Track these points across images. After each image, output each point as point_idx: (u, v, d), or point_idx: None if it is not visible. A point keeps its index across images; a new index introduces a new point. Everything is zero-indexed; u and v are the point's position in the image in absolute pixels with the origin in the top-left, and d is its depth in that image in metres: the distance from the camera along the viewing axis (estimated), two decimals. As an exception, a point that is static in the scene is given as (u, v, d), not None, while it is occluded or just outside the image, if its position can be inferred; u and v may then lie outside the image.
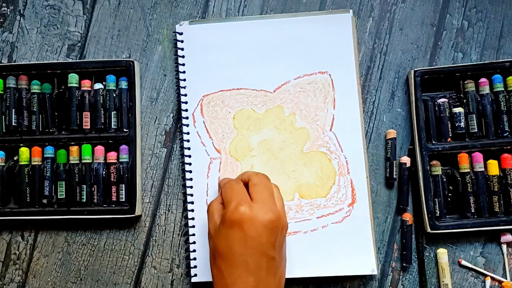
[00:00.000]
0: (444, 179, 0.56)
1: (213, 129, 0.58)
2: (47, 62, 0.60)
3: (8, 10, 0.62)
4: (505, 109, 0.56)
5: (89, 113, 0.58)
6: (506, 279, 0.56)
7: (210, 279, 0.56)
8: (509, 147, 0.56)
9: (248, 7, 0.61)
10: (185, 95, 0.59)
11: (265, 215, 0.46)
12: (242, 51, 0.59)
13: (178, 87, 0.59)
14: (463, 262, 0.57)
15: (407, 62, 0.59)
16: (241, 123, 0.58)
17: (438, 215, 0.55)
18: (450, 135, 0.56)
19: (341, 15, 0.58)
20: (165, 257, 0.59)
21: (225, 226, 0.46)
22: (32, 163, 0.58)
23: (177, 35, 0.59)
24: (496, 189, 0.55)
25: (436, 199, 0.56)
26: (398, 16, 0.60)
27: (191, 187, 0.58)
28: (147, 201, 0.59)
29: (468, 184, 0.55)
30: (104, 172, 0.58)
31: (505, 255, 0.57)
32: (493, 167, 0.55)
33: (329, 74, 0.58)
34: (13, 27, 0.62)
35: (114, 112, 0.58)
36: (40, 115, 0.59)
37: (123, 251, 0.59)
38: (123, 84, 0.59)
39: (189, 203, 0.57)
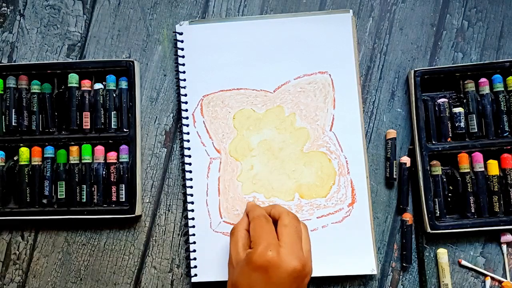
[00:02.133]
0: (444, 179, 0.56)
1: (213, 129, 0.58)
2: (47, 62, 0.60)
3: (8, 10, 0.62)
4: (505, 109, 0.56)
5: (89, 113, 0.58)
6: (506, 279, 0.56)
7: (210, 279, 0.56)
8: (509, 147, 0.56)
9: (248, 7, 0.61)
10: (185, 95, 0.59)
11: (291, 263, 0.46)
12: (242, 51, 0.59)
13: (178, 87, 0.59)
14: (463, 262, 0.57)
15: (407, 62, 0.59)
16: (241, 123, 0.58)
17: (438, 215, 0.55)
18: (450, 135, 0.56)
19: (341, 15, 0.58)
20: (165, 257, 0.59)
21: (250, 267, 0.46)
22: (32, 163, 0.58)
23: (177, 35, 0.59)
24: (496, 189, 0.55)
25: (436, 199, 0.56)
26: (398, 16, 0.60)
27: (191, 187, 0.58)
28: (147, 201, 0.59)
29: (468, 184, 0.55)
30: (104, 172, 0.58)
31: (505, 255, 0.57)
32: (493, 167, 0.55)
33: (329, 74, 0.58)
34: (13, 27, 0.62)
35: (114, 112, 0.58)
36: (40, 115, 0.59)
37: (123, 251, 0.59)
38: (123, 84, 0.59)
39: (189, 203, 0.57)
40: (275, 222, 0.50)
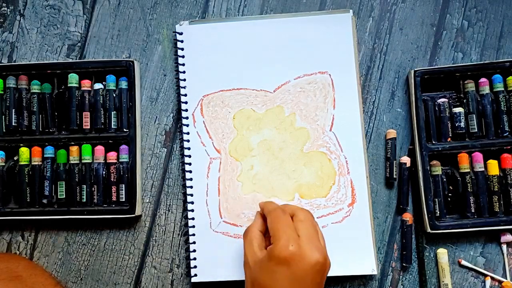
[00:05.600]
0: (444, 179, 0.56)
1: (213, 129, 0.58)
2: (47, 62, 0.60)
3: (8, 10, 0.62)
4: (505, 109, 0.56)
5: (89, 113, 0.58)
6: (506, 279, 0.56)
7: (210, 279, 0.56)
8: (509, 147, 0.56)
9: (248, 7, 0.61)
10: (185, 95, 0.59)
11: (313, 255, 0.45)
12: (242, 51, 0.59)
13: (178, 87, 0.59)
14: (463, 262, 0.57)
15: (407, 62, 0.59)
16: (241, 123, 0.58)
17: (438, 215, 0.55)
18: (450, 135, 0.56)
19: (341, 15, 0.58)
20: (165, 257, 0.59)
21: (272, 262, 0.46)
22: (32, 163, 0.58)
23: (177, 35, 0.59)
24: (496, 189, 0.55)
25: (436, 199, 0.56)
26: (398, 16, 0.60)
27: (191, 187, 0.58)
28: (147, 201, 0.59)
29: (468, 184, 0.55)
30: (104, 172, 0.58)
31: (505, 255, 0.57)
32: (493, 167, 0.55)
33: (329, 74, 0.58)
34: (13, 27, 0.62)
35: (114, 112, 0.58)
36: (40, 115, 0.59)
37: (123, 251, 0.59)
38: (123, 84, 0.59)
39: (189, 203, 0.57)
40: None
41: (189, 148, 0.58)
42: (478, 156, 0.56)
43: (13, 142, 0.58)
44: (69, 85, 0.59)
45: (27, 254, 0.59)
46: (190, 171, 0.58)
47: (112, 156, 0.58)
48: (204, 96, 0.59)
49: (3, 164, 0.59)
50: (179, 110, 0.59)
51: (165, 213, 0.59)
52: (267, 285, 0.46)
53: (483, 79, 0.56)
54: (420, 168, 0.56)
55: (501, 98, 0.56)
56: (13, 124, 0.58)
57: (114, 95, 0.59)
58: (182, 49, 0.59)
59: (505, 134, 0.56)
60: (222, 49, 0.59)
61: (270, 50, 0.59)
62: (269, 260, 0.46)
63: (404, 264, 0.57)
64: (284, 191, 0.57)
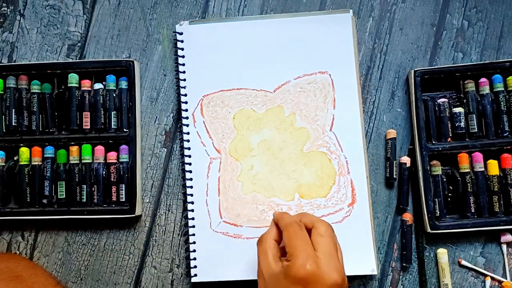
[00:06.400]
0: (444, 179, 0.56)
1: (213, 129, 0.58)
2: (47, 62, 0.60)
3: (8, 10, 0.62)
4: (505, 109, 0.56)
5: (89, 113, 0.58)
6: (506, 279, 0.56)
7: (210, 279, 0.56)
8: (509, 147, 0.56)
9: (248, 7, 0.61)
10: (185, 95, 0.59)
11: (332, 276, 0.44)
12: (242, 51, 0.59)
13: (178, 87, 0.59)
14: (463, 262, 0.57)
15: (407, 62, 0.59)
16: (241, 123, 0.58)
17: (438, 215, 0.55)
18: (450, 135, 0.56)
19: (341, 15, 0.58)
20: (165, 257, 0.59)
21: (288, 281, 0.44)
22: (32, 163, 0.58)
23: (177, 35, 0.59)
24: (496, 189, 0.55)
25: (436, 199, 0.56)
26: (398, 16, 0.60)
27: (191, 187, 0.58)
28: (147, 201, 0.59)
29: (468, 184, 0.55)
30: (104, 172, 0.58)
31: (505, 255, 0.57)
32: (493, 167, 0.55)
33: (329, 74, 0.58)
34: (13, 27, 0.62)
35: (114, 112, 0.58)
36: (40, 115, 0.59)
37: (123, 251, 0.59)
38: (123, 84, 0.59)
39: (189, 203, 0.57)
40: (308, 230, 0.48)
41: (189, 148, 0.58)
42: (478, 156, 0.56)
43: (13, 142, 0.58)
44: (69, 85, 0.59)
45: (27, 254, 0.59)
46: (190, 171, 0.58)
47: (112, 156, 0.58)
48: (204, 96, 0.59)
49: (3, 164, 0.59)
50: (179, 110, 0.59)
51: (165, 213, 0.59)
52: None
53: (483, 79, 0.56)
54: (420, 168, 0.56)
55: (501, 98, 0.56)
56: (13, 124, 0.58)
57: (114, 95, 0.59)
58: (182, 49, 0.59)
59: (505, 134, 0.56)
60: (222, 49, 0.59)
61: (270, 50, 0.59)
62: (285, 278, 0.44)
63: (404, 264, 0.57)
64: (284, 191, 0.57)
